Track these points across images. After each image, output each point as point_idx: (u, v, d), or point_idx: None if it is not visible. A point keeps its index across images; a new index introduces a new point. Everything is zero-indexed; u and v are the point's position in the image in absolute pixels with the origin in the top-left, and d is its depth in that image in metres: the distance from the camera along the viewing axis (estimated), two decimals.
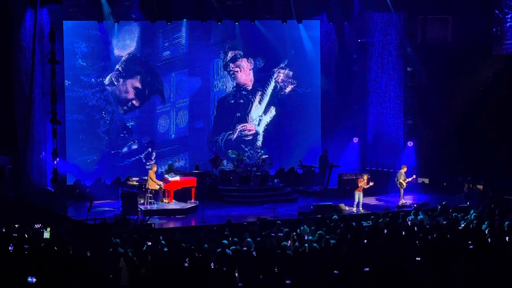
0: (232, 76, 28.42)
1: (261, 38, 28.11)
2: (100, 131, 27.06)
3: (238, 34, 28.00)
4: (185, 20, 27.29)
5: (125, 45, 27.01)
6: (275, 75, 28.71)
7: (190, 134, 28.13)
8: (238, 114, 28.56)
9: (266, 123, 28.80)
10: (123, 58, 27.06)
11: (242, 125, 28.64)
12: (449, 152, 27.08)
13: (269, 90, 28.71)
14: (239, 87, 28.49)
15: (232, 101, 28.51)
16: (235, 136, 28.52)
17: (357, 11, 27.90)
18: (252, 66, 28.52)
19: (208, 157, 27.16)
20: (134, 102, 27.39)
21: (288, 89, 28.85)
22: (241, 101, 28.58)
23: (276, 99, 28.80)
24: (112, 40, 26.80)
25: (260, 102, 28.71)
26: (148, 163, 26.88)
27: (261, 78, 28.64)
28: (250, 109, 28.67)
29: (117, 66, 26.99)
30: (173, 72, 27.71)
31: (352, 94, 28.98)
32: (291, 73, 28.79)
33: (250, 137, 28.67)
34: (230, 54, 28.28)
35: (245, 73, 28.51)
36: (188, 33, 27.64)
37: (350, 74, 28.98)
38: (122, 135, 27.35)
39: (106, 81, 26.92)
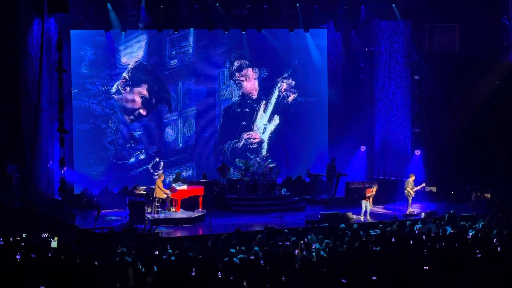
0: (238, 85, 28.40)
1: (267, 47, 28.09)
2: (106, 141, 26.93)
3: (244, 43, 27.98)
4: (192, 28, 27.29)
5: (132, 53, 26.92)
6: (279, 85, 28.69)
7: (197, 143, 28.09)
8: (244, 123, 28.53)
9: (270, 131, 28.77)
10: (130, 66, 26.97)
11: (247, 133, 28.62)
12: (456, 160, 27.00)
13: (273, 99, 28.68)
14: (244, 96, 28.47)
15: (238, 110, 28.49)
16: (240, 144, 28.49)
17: (364, 19, 27.85)
18: (257, 76, 28.52)
19: (215, 166, 27.10)
20: (141, 111, 27.30)
21: (290, 98, 28.78)
22: (247, 109, 28.57)
23: (280, 108, 28.76)
24: (119, 47, 26.70)
25: (264, 111, 28.68)
26: (155, 173, 26.80)
27: (265, 87, 28.61)
28: (255, 117, 28.64)
29: (124, 74, 26.91)
30: (180, 81, 27.69)
31: (359, 103, 28.95)
32: (293, 82, 28.74)
33: (256, 145, 28.64)
34: (236, 64, 28.27)
35: (251, 82, 28.50)
36: (195, 42, 27.62)
37: (357, 82, 28.95)
38: (129, 145, 27.21)
39: (113, 89, 26.81)
